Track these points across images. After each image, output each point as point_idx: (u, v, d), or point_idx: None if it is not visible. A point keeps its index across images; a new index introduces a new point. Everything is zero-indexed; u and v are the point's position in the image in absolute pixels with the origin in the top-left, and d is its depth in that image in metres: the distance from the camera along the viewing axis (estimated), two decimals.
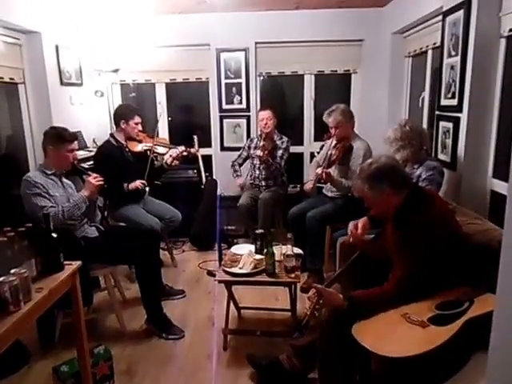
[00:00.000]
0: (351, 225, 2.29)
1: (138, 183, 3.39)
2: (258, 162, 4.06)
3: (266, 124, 3.95)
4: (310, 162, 4.04)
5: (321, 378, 1.99)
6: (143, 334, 2.80)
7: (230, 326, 2.68)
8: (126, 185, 3.37)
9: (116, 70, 4.31)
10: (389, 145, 2.73)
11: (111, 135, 3.53)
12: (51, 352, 2.59)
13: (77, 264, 1.97)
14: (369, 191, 1.92)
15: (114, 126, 3.61)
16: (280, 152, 4.00)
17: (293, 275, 2.49)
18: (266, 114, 3.98)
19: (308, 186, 3.46)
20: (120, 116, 3.47)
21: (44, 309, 1.75)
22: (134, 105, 3.74)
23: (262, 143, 3.90)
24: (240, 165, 4.28)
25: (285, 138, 4.06)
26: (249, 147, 4.23)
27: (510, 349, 0.92)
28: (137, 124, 3.49)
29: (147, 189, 3.48)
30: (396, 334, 1.66)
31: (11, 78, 3.42)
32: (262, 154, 3.81)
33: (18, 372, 2.42)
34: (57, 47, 3.79)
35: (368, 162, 2.01)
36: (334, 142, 3.36)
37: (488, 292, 1.71)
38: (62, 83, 3.88)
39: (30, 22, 3.41)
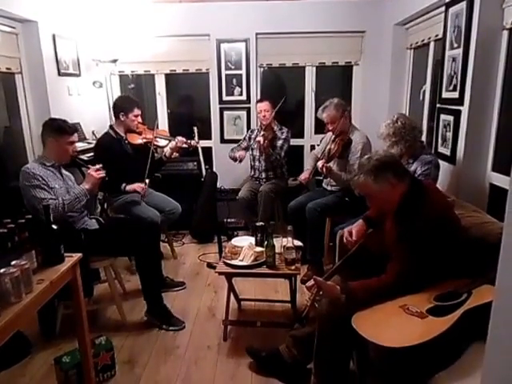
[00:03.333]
0: (346, 232, 2.30)
1: (135, 186, 3.35)
2: (258, 153, 4.06)
3: (264, 116, 3.95)
4: None
5: (316, 367, 2.02)
6: (144, 324, 2.82)
7: (230, 317, 2.70)
8: (124, 185, 3.35)
9: (114, 61, 4.27)
10: (382, 140, 2.73)
11: (110, 127, 3.51)
12: (52, 343, 2.61)
13: (77, 256, 1.97)
14: (373, 183, 1.90)
15: (114, 118, 3.59)
16: (280, 142, 3.99)
17: (293, 267, 2.51)
18: (264, 105, 3.96)
19: (303, 175, 3.46)
20: (119, 108, 3.44)
21: (45, 300, 1.75)
22: (133, 96, 3.71)
23: (262, 133, 3.89)
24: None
25: (285, 129, 4.05)
26: (249, 138, 4.22)
27: (508, 339, 0.93)
28: (136, 116, 3.47)
29: (147, 181, 3.47)
30: (395, 324, 1.68)
31: (8, 68, 3.39)
32: (262, 141, 3.80)
33: (19, 363, 2.43)
34: (54, 36, 3.74)
35: (366, 158, 2.00)
36: (333, 136, 3.35)
37: (486, 283, 1.72)
38: (59, 73, 3.85)
39: (26, 10, 3.36)
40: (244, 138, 4.29)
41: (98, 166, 2.76)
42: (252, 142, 4.14)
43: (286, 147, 4.03)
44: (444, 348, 1.57)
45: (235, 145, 4.29)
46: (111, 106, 3.73)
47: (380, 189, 1.91)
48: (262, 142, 3.80)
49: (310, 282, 1.99)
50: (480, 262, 1.78)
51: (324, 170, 3.19)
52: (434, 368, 1.58)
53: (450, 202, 2.16)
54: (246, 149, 4.22)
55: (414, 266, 1.80)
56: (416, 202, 1.88)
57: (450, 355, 1.60)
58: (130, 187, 3.36)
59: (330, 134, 3.48)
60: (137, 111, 3.46)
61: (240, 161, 4.09)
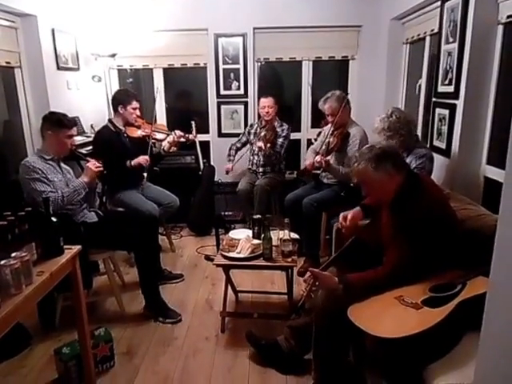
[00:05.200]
0: (341, 216, 2.32)
1: (141, 159, 3.38)
2: (257, 149, 4.07)
3: (267, 112, 3.96)
4: (307, 148, 4.06)
5: (315, 359, 2.05)
6: (142, 316, 2.84)
7: (228, 309, 2.73)
8: (128, 162, 3.38)
9: (113, 55, 4.28)
10: (377, 135, 2.75)
11: (109, 120, 3.53)
12: (52, 334, 2.63)
13: (77, 248, 1.99)
14: (373, 171, 1.92)
15: (112, 111, 3.60)
16: (280, 140, 4.00)
17: (290, 259, 2.53)
18: (268, 101, 3.96)
19: (308, 161, 3.41)
20: (118, 101, 3.46)
21: (45, 292, 1.77)
22: (132, 90, 3.72)
23: (263, 133, 3.89)
24: (238, 149, 4.29)
25: (285, 126, 4.06)
26: (249, 133, 4.25)
27: (501, 329, 0.95)
28: (135, 109, 3.48)
29: (145, 174, 3.49)
30: (390, 315, 1.70)
31: (7, 62, 3.39)
32: (263, 146, 3.81)
33: (19, 354, 2.45)
34: (53, 31, 3.75)
35: (368, 146, 2.03)
36: (332, 129, 3.37)
37: (480, 275, 1.74)
38: (58, 68, 3.85)
39: (25, 4, 3.36)
40: (243, 133, 4.32)
41: (95, 161, 2.78)
42: (252, 136, 4.16)
43: (286, 144, 4.06)
44: (439, 338, 1.59)
45: (233, 140, 4.33)
46: (110, 100, 3.74)
47: (378, 177, 1.93)
48: (263, 148, 3.82)
49: (307, 275, 2.01)
50: (475, 254, 1.80)
51: (323, 163, 3.20)
52: (429, 358, 1.60)
53: (446, 195, 2.18)
54: (245, 143, 4.25)
55: (411, 258, 1.82)
56: (412, 195, 1.90)
57: (444, 345, 1.62)
58: (134, 162, 3.38)
59: (327, 127, 3.49)
60: (135, 104, 3.47)
61: (226, 173, 4.20)
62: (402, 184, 1.94)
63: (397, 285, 1.83)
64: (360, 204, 2.33)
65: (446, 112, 2.89)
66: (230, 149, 4.29)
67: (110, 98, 3.77)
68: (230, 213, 4.12)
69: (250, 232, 2.83)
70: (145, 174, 3.46)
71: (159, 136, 3.68)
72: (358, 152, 2.07)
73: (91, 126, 4.25)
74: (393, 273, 1.85)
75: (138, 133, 3.57)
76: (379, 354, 1.68)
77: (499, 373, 0.98)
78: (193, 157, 4.43)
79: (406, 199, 1.91)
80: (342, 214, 2.32)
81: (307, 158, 3.61)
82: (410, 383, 1.65)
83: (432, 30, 3.33)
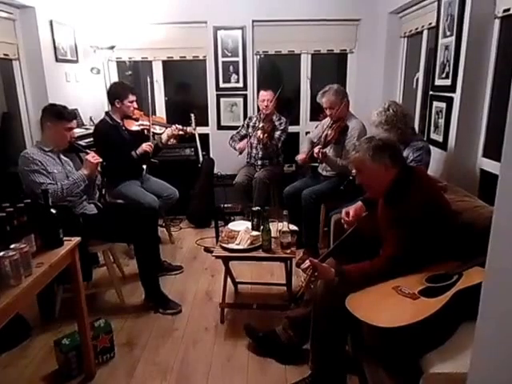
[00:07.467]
0: (343, 212, 2.33)
1: (144, 146, 3.39)
2: (256, 142, 4.08)
3: (266, 106, 3.95)
4: None
5: (312, 349, 2.07)
6: (142, 308, 2.86)
7: (227, 300, 2.75)
8: (133, 152, 3.39)
9: (112, 47, 4.27)
10: (375, 128, 2.76)
11: (107, 114, 3.51)
12: (52, 326, 2.64)
13: (76, 240, 2.00)
14: (370, 161, 1.93)
15: (110, 106, 3.60)
16: (278, 133, 4.01)
17: (288, 251, 2.56)
18: (268, 94, 3.95)
19: (300, 156, 3.50)
20: (114, 95, 3.44)
21: (44, 283, 1.79)
22: (128, 83, 3.71)
23: (261, 125, 3.90)
24: (239, 139, 4.29)
25: (283, 119, 4.07)
26: (247, 125, 4.25)
27: (497, 319, 0.96)
28: (132, 102, 3.46)
29: (144, 166, 3.50)
30: (388, 305, 1.72)
31: (5, 54, 3.39)
32: (262, 136, 3.82)
33: (19, 345, 2.47)
34: (51, 22, 3.74)
35: (368, 137, 2.04)
36: (330, 122, 3.38)
37: (476, 266, 1.75)
38: (57, 60, 3.85)
39: None
40: (242, 126, 4.31)
41: (94, 154, 2.79)
42: (250, 129, 4.17)
43: (284, 138, 4.06)
44: (435, 328, 1.60)
45: (232, 133, 4.32)
46: (106, 94, 3.74)
47: (374, 168, 1.94)
48: (261, 137, 3.82)
49: (306, 264, 2.03)
50: (471, 245, 1.81)
51: (320, 155, 3.22)
52: (426, 347, 1.61)
53: (440, 187, 2.19)
54: (245, 136, 4.25)
55: (406, 249, 1.83)
56: (406, 188, 1.91)
57: (441, 335, 1.64)
58: (139, 150, 3.39)
59: (326, 120, 3.51)
60: (131, 97, 3.45)
61: (240, 153, 4.14)
62: (396, 177, 1.95)
63: (392, 276, 1.84)
64: (361, 199, 2.34)
65: (443, 105, 2.91)
66: (232, 138, 4.28)
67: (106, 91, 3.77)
68: (230, 205, 4.14)
69: (249, 224, 2.85)
70: (144, 166, 3.46)
71: (157, 129, 3.68)
72: (357, 141, 2.09)
73: (90, 119, 4.26)
74: (388, 264, 1.86)
75: (136, 125, 3.56)
76: (376, 344, 1.70)
77: (495, 361, 0.99)
78: (192, 149, 4.44)
79: (400, 193, 1.92)
80: (344, 210, 2.34)
81: (302, 148, 3.64)
82: (406, 372, 1.66)
83: (429, 24, 3.33)
